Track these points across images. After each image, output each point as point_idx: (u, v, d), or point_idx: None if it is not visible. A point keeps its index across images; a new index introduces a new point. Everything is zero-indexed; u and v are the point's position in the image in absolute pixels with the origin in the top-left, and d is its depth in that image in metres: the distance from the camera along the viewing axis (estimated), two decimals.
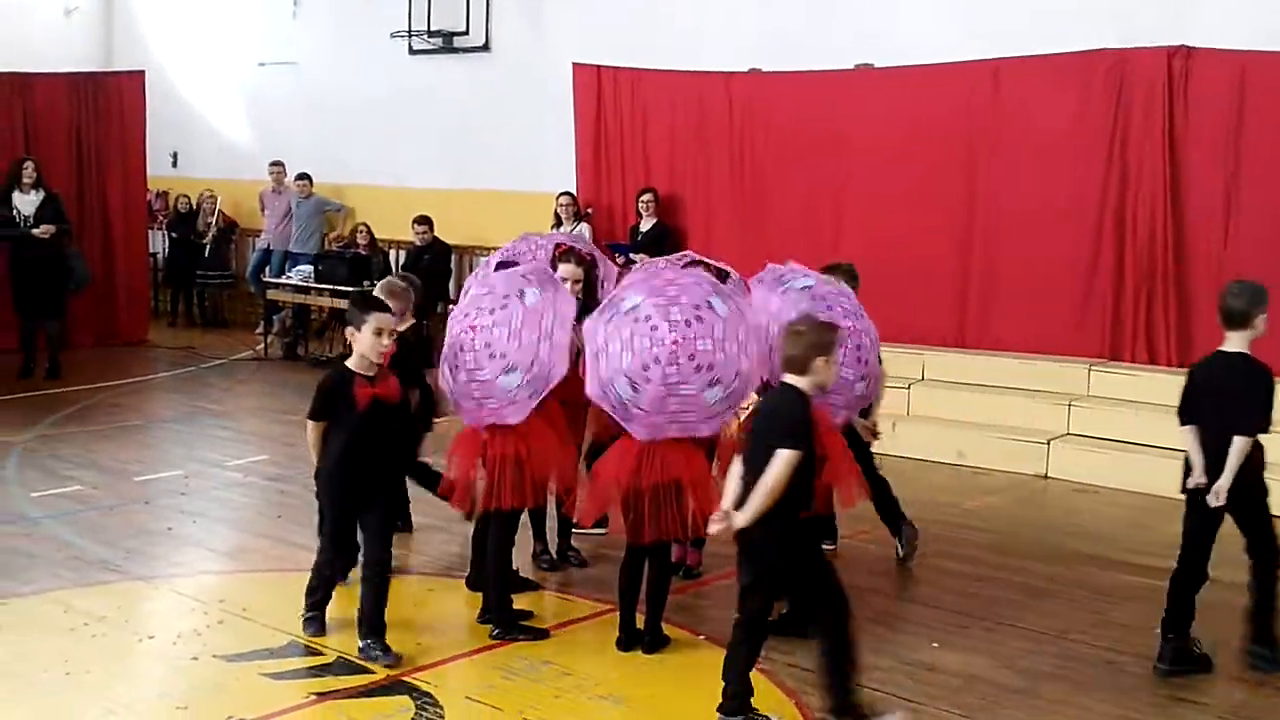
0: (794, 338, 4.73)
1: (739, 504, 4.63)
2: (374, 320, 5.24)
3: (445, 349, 5.55)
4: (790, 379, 4.73)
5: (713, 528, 4.70)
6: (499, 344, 5.33)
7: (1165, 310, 9.63)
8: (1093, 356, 9.77)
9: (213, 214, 15.63)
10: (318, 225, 14.55)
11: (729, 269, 5.94)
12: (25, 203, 11.96)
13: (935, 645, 5.72)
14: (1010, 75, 10.12)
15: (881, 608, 6.26)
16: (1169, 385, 9.32)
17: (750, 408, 5.95)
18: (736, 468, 4.75)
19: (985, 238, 10.38)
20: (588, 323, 5.38)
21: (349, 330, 5.34)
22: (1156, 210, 9.59)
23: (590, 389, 5.25)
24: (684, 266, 6.01)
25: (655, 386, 5.08)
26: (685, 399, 5.12)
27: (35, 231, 11.74)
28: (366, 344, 5.25)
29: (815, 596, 4.77)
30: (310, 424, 5.37)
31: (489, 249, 10.66)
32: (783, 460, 4.52)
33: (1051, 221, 9.97)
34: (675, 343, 5.05)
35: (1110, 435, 9.04)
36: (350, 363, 5.34)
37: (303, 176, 14.46)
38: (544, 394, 5.41)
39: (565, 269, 6.13)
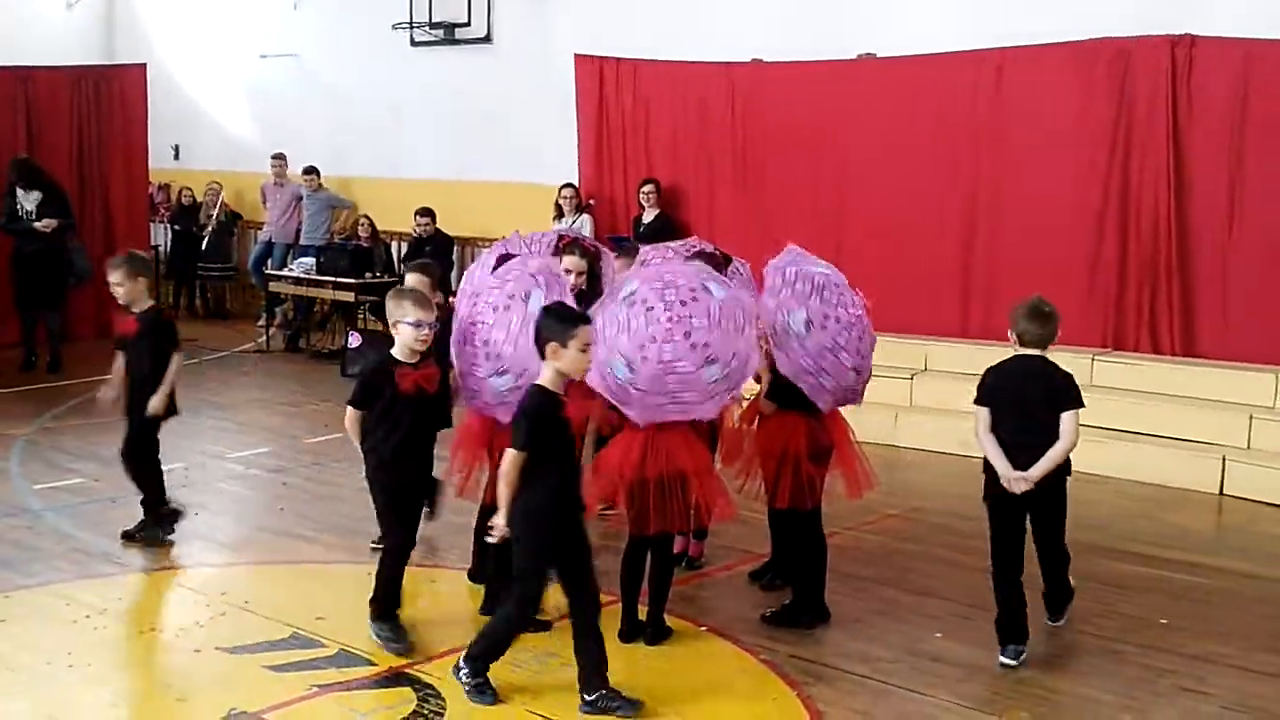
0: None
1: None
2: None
3: (454, 334, 5.54)
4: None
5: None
6: (495, 345, 5.33)
7: (1169, 300, 9.61)
8: (1096, 346, 9.75)
9: (215, 206, 15.62)
10: (326, 219, 14.53)
11: (733, 256, 5.92)
12: (28, 199, 11.95)
13: (939, 635, 5.71)
14: (1013, 65, 10.09)
15: (886, 598, 6.24)
16: (1172, 375, 9.38)
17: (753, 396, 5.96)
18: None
19: (988, 227, 10.35)
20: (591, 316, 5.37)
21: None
22: (1160, 199, 9.56)
23: (589, 376, 5.24)
24: (690, 256, 6.00)
25: (651, 365, 5.07)
26: (683, 378, 5.10)
27: (37, 225, 11.73)
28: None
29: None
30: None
31: (491, 240, 10.64)
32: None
33: (1055, 211, 9.94)
34: (670, 320, 5.04)
35: (1113, 425, 9.02)
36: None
37: (310, 170, 14.45)
38: None
39: (569, 260, 6.13)
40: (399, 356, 5.35)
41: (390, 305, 5.43)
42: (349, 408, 5.40)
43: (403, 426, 5.31)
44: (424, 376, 5.33)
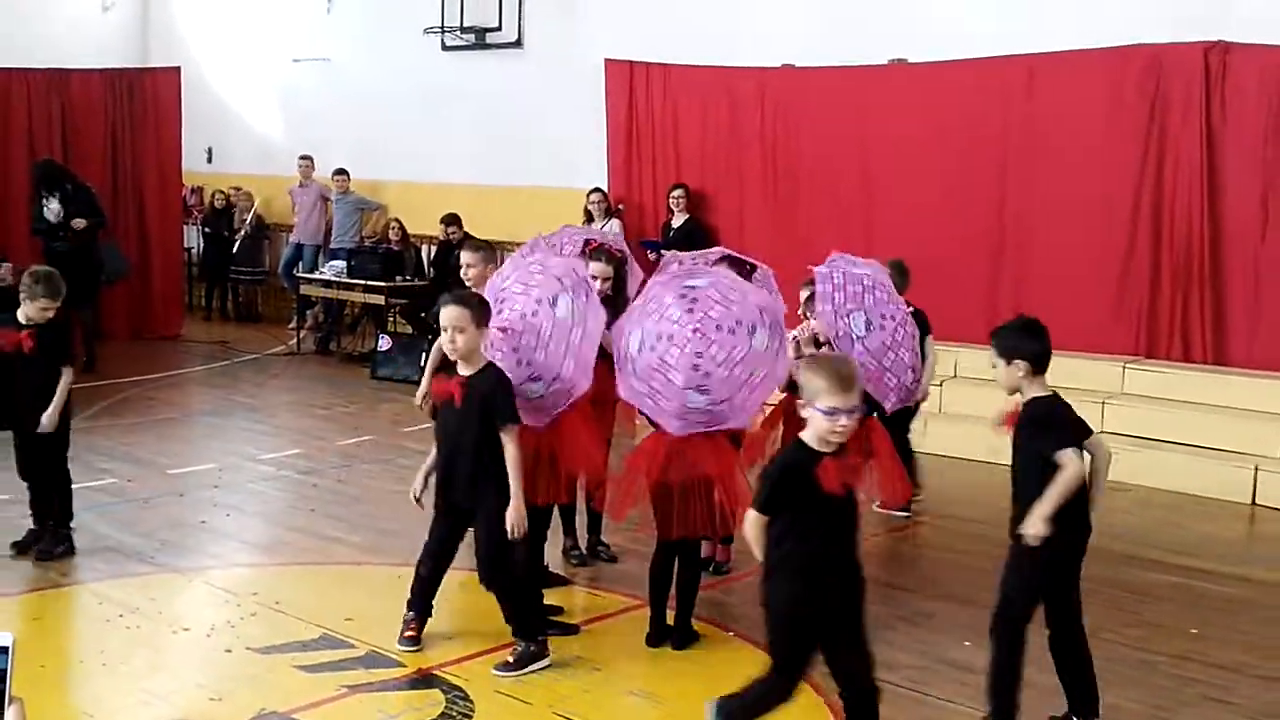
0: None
1: None
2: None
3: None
4: None
5: None
6: (526, 351, 5.32)
7: (1201, 308, 9.56)
8: (1127, 354, 9.70)
9: (249, 212, 15.74)
10: (355, 221, 14.61)
11: (757, 263, 5.94)
12: (49, 207, 12.03)
13: (967, 644, 5.70)
14: (1045, 70, 10.06)
15: (915, 606, 6.24)
16: (1204, 383, 9.33)
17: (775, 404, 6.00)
18: None
19: (1019, 234, 10.32)
20: (617, 325, 5.39)
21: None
22: (1193, 207, 9.51)
23: (621, 390, 5.25)
24: (714, 262, 6.01)
25: (648, 357, 5.10)
26: (668, 384, 5.08)
27: (73, 223, 11.82)
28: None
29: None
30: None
31: (520, 245, 10.66)
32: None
33: (1086, 217, 9.90)
34: (693, 333, 5.04)
35: (1144, 433, 8.98)
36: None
37: (340, 172, 14.53)
38: (564, 407, 5.41)
39: (595, 267, 6.10)
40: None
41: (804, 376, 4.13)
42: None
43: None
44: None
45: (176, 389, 11.78)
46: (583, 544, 6.82)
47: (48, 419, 6.37)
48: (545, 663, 5.26)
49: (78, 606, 6.00)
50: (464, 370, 5.16)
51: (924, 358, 6.85)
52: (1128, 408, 9.23)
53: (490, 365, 5.17)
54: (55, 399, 6.37)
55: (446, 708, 4.86)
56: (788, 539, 4.07)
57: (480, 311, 5.14)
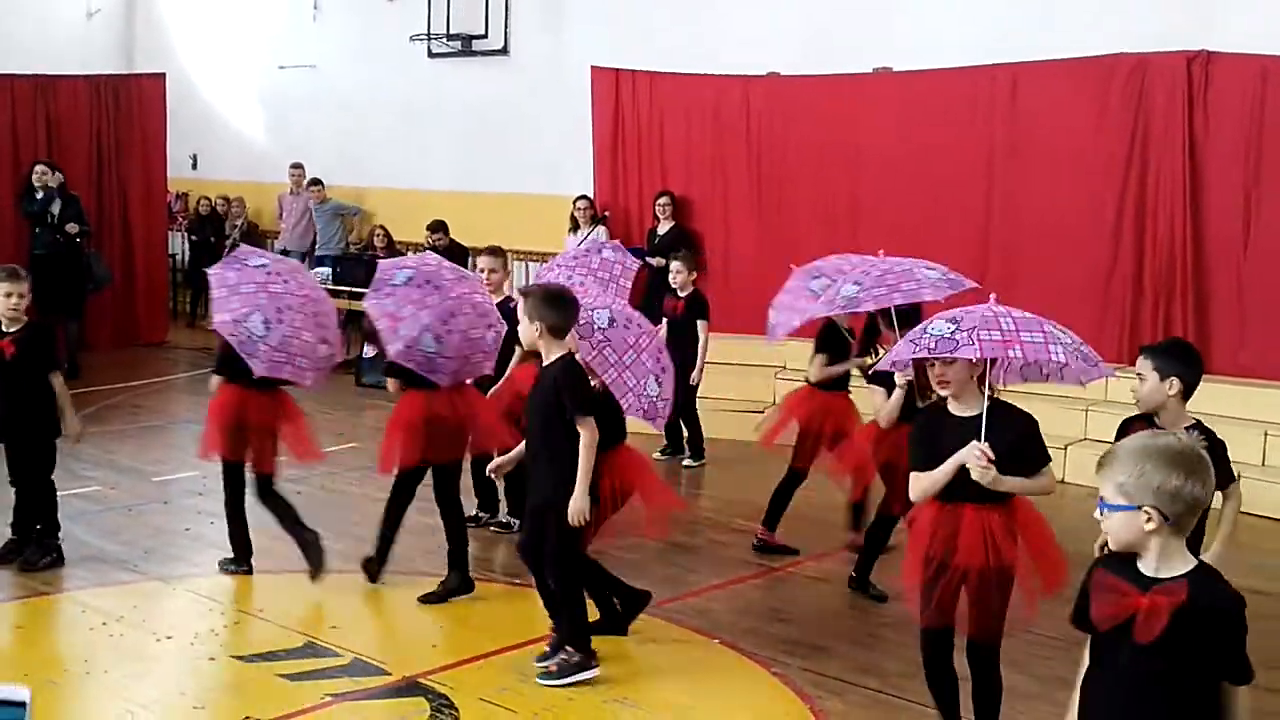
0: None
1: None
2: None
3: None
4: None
5: None
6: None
7: (1184, 316, 9.59)
8: (1111, 361, 9.68)
9: (240, 218, 15.73)
10: (337, 228, 14.61)
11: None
12: (55, 205, 12.03)
13: None
14: (1029, 79, 10.10)
15: (901, 614, 6.21)
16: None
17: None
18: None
19: (1003, 242, 10.35)
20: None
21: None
22: (1176, 215, 9.55)
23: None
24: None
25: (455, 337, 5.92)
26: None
27: (67, 228, 11.80)
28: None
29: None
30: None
31: (506, 252, 10.66)
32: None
33: (1070, 226, 9.94)
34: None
35: None
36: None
37: (315, 182, 14.52)
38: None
39: (484, 260, 7.02)
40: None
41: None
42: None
43: None
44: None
45: (161, 396, 11.75)
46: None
47: (73, 426, 6.45)
48: (594, 673, 5.20)
49: (61, 615, 5.97)
50: (545, 360, 5.26)
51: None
52: (1111, 416, 9.22)
53: (565, 356, 5.20)
54: (65, 408, 6.39)
55: (431, 715, 4.86)
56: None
57: (540, 304, 5.19)
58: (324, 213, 14.53)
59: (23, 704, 1.87)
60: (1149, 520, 2.85)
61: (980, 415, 4.28)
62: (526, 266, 13.52)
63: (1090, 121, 9.83)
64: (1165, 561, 2.89)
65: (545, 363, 5.20)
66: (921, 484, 4.35)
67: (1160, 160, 9.59)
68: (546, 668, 5.24)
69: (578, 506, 5.06)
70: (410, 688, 5.12)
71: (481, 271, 6.99)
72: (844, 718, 4.97)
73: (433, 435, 6.08)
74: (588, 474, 5.09)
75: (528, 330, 5.18)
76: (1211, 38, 9.34)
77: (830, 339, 6.91)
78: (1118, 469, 2.89)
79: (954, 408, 4.40)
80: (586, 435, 5.08)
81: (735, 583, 6.59)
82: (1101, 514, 2.92)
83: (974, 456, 4.19)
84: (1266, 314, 9.26)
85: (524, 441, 5.40)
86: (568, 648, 5.25)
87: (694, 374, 8.97)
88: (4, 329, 6.30)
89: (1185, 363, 4.71)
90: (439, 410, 6.07)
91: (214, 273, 6.16)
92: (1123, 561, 2.95)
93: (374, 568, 6.37)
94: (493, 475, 6.20)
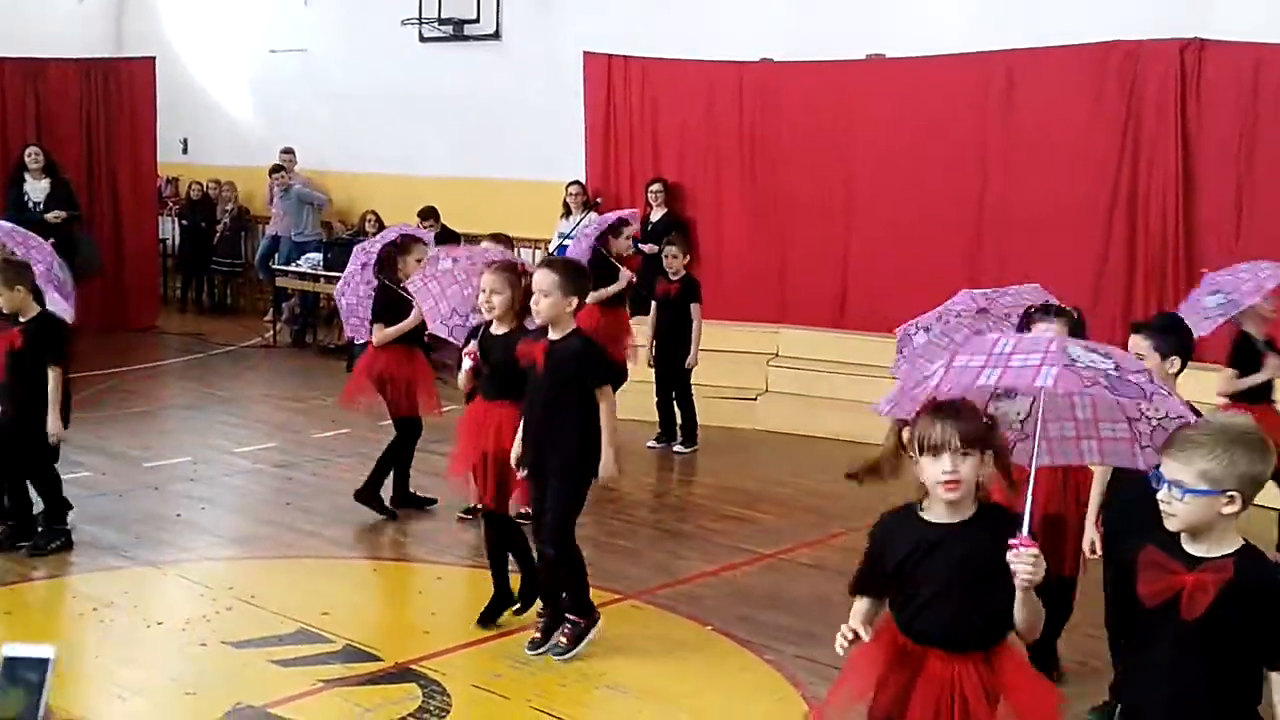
0: None
1: None
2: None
3: None
4: None
5: None
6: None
7: (1176, 304, 9.56)
8: None
9: (230, 202, 15.67)
10: (306, 216, 14.45)
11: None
12: (35, 189, 11.98)
13: None
14: (1022, 66, 10.08)
15: None
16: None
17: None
18: None
19: (995, 230, 10.34)
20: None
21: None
22: (1168, 203, 9.55)
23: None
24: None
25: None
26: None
27: (48, 217, 11.76)
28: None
29: None
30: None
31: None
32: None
33: (1063, 213, 9.92)
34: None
35: None
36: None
37: (276, 169, 14.42)
38: None
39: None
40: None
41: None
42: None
43: None
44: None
45: (151, 381, 11.72)
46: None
47: (53, 426, 6.35)
48: (598, 629, 5.32)
49: (51, 600, 5.96)
50: (553, 335, 5.18)
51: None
52: None
53: (578, 330, 5.21)
54: (53, 404, 6.31)
55: (424, 702, 4.85)
56: None
57: (568, 278, 5.15)
58: (290, 201, 14.36)
59: (47, 660, 1.87)
60: (1230, 504, 2.87)
61: None
62: (518, 253, 13.49)
63: (1084, 109, 9.82)
64: (1218, 541, 2.91)
65: (555, 336, 5.15)
66: None
67: (1153, 148, 9.58)
68: (557, 641, 5.28)
69: (609, 471, 5.18)
70: (402, 674, 5.11)
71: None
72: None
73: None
74: (613, 438, 5.17)
75: (555, 304, 5.08)
76: (1205, 26, 9.33)
77: (1242, 351, 6.76)
78: (1203, 454, 2.88)
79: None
80: (607, 403, 5.16)
81: (727, 569, 6.59)
82: (1180, 498, 2.89)
83: None
84: None
85: (524, 410, 5.29)
86: (570, 616, 5.30)
87: (689, 358, 8.99)
88: (15, 319, 6.35)
89: (1182, 339, 4.68)
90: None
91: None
92: (1168, 540, 2.94)
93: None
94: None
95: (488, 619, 5.63)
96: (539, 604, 5.49)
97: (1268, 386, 6.72)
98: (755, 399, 10.22)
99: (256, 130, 16.02)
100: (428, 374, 7.27)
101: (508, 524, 5.64)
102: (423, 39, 14.25)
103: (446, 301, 6.17)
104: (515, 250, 7.00)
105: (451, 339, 6.25)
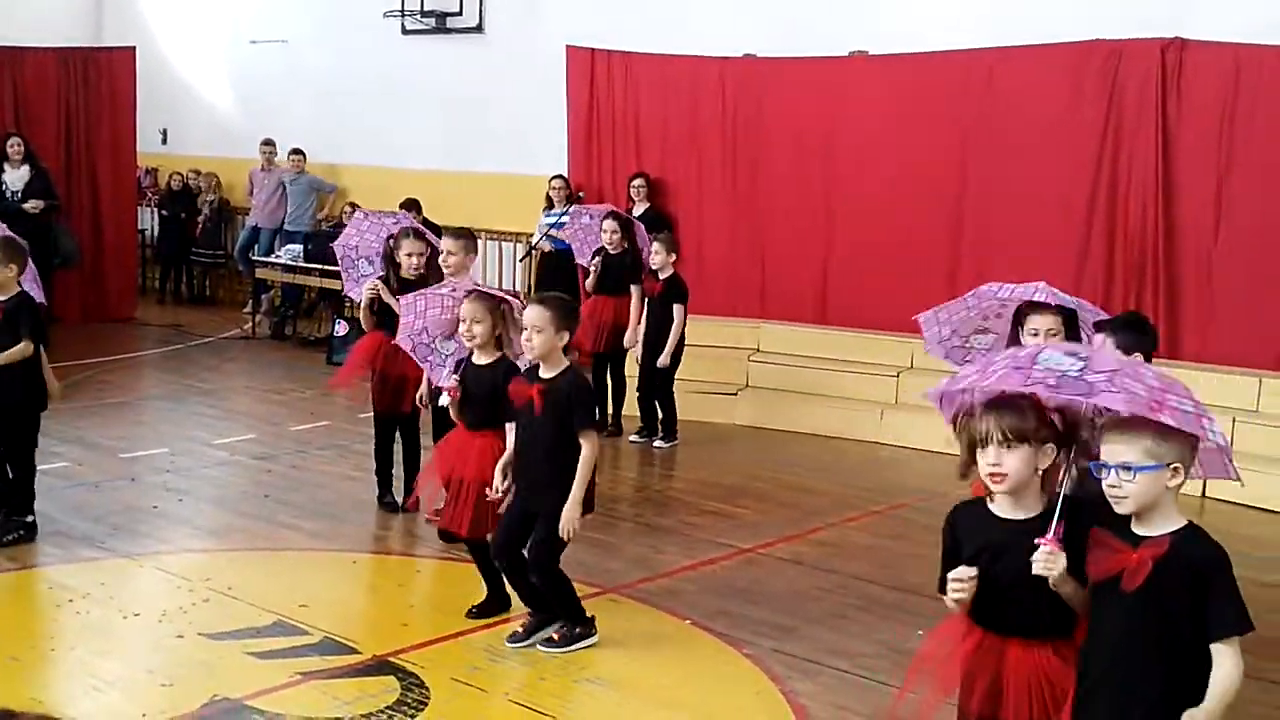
0: None
1: None
2: None
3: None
4: None
5: None
6: None
7: (1154, 302, 9.63)
8: None
9: (211, 193, 15.62)
10: (311, 204, 14.51)
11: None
12: (14, 178, 11.91)
13: (920, 633, 5.72)
14: (1005, 64, 10.10)
15: (871, 595, 6.26)
16: None
17: None
18: None
19: (977, 226, 10.37)
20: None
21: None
22: (1148, 202, 9.59)
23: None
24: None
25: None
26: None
27: (26, 206, 11.69)
28: None
29: None
30: None
31: (480, 230, 10.63)
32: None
33: (1043, 211, 9.96)
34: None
35: None
36: None
37: (296, 152, 14.42)
38: None
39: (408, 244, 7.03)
40: None
41: None
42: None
43: None
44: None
45: (129, 372, 11.65)
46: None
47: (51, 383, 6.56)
48: (593, 640, 5.34)
49: (26, 591, 5.92)
50: (545, 374, 5.13)
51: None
52: None
53: (570, 368, 5.17)
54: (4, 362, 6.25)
55: (402, 694, 4.84)
56: None
57: (560, 314, 5.08)
58: (300, 186, 14.42)
59: None
60: (1174, 476, 3.03)
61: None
62: (500, 246, 13.49)
63: (1065, 107, 9.85)
64: (1162, 519, 3.05)
65: (548, 374, 5.12)
66: None
67: (1133, 147, 9.62)
68: (550, 635, 5.30)
69: (570, 517, 5.07)
70: (380, 667, 5.09)
71: (442, 254, 6.89)
72: (814, 698, 4.98)
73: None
74: (584, 485, 5.08)
75: (547, 340, 5.03)
76: (1185, 26, 9.37)
77: None
78: (1145, 431, 2.99)
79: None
80: (588, 449, 5.07)
81: (707, 564, 6.60)
82: (1131, 478, 2.99)
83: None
84: (1237, 302, 9.32)
85: (516, 448, 5.24)
86: (565, 625, 5.34)
87: (662, 357, 8.96)
88: None
89: (1145, 336, 4.65)
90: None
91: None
92: (1117, 523, 3.08)
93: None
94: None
95: (480, 615, 5.62)
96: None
97: None
98: (736, 394, 10.23)
99: (237, 121, 15.94)
100: (420, 377, 7.19)
101: (486, 545, 5.61)
102: (405, 31, 14.21)
103: (424, 319, 6.13)
104: (481, 240, 7.01)
105: (412, 354, 6.20)
